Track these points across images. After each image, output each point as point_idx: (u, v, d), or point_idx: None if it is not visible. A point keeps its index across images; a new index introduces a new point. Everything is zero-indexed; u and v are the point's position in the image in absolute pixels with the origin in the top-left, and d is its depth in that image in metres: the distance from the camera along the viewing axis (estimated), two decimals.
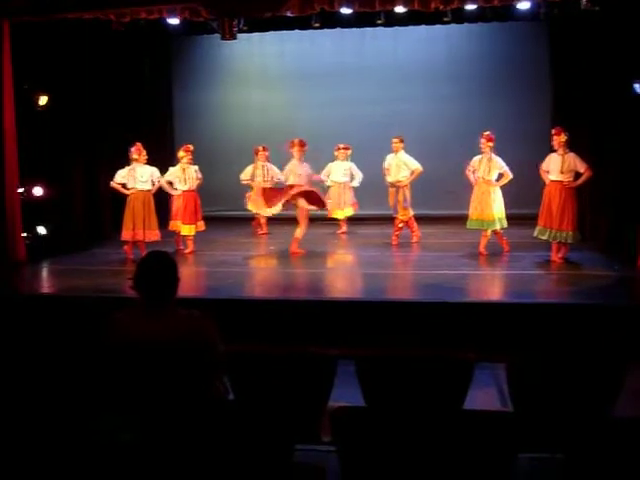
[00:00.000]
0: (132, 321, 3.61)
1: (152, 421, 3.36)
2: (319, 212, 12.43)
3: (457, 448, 3.10)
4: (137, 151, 10.19)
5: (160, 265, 3.65)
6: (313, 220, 12.80)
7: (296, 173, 10.32)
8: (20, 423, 3.34)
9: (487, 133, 9.93)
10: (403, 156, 11.00)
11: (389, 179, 11.12)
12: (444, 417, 3.27)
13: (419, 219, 11.39)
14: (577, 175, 9.25)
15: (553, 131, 9.44)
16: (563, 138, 9.21)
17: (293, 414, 3.37)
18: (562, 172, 9.22)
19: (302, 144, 10.42)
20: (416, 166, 10.92)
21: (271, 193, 10.72)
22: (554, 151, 9.36)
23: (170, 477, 3.10)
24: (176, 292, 3.67)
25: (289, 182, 10.38)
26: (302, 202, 10.27)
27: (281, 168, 11.55)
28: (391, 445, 3.13)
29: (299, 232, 10.41)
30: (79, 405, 3.50)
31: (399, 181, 10.96)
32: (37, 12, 9.33)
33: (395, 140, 11.04)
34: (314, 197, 10.39)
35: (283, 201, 10.30)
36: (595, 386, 3.94)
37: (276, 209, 10.48)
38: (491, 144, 9.86)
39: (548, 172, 9.40)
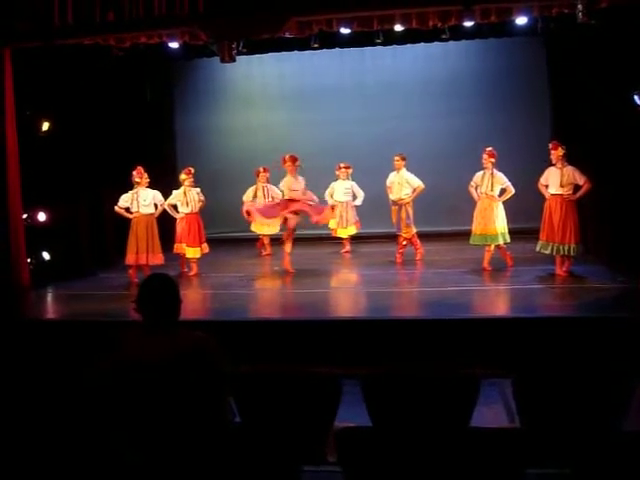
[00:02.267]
0: (135, 342, 3.61)
1: (156, 443, 3.36)
2: (323, 231, 12.52)
3: (465, 466, 3.09)
4: (138, 174, 10.22)
5: (162, 286, 3.66)
6: (316, 239, 12.89)
7: (291, 188, 10.36)
8: (26, 446, 3.33)
9: (489, 149, 9.96)
10: (405, 174, 11.02)
11: (391, 197, 11.13)
12: (451, 435, 3.26)
13: (422, 236, 11.39)
14: (577, 188, 9.26)
15: (550, 145, 9.47)
16: (560, 152, 9.25)
17: (299, 435, 3.36)
18: (562, 185, 9.24)
19: (293, 159, 10.43)
20: (418, 183, 10.94)
21: (270, 207, 10.76)
22: (553, 165, 9.39)
23: None
24: (178, 313, 3.67)
25: (286, 197, 10.43)
26: (293, 218, 10.31)
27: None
28: (398, 465, 3.11)
29: (288, 247, 10.45)
30: (84, 429, 3.49)
31: (401, 199, 10.97)
32: (38, 38, 9.39)
33: (397, 158, 11.07)
34: (317, 209, 10.43)
35: (284, 214, 10.33)
36: (603, 400, 3.91)
37: (276, 223, 10.53)
38: (493, 160, 9.89)
39: (547, 186, 9.42)
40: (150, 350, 3.53)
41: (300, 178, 10.45)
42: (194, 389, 3.52)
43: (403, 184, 11.00)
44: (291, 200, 10.33)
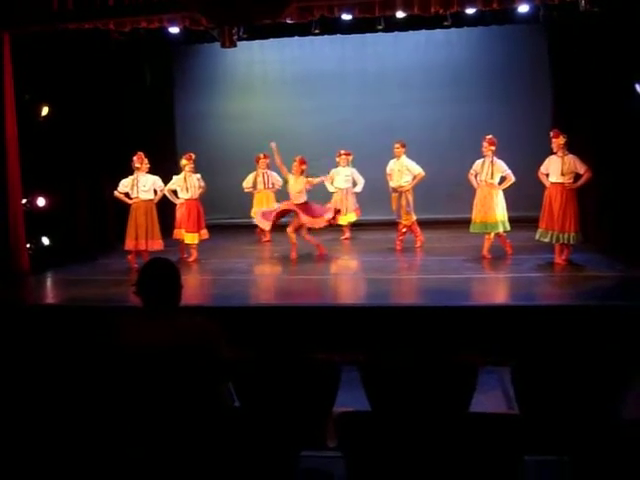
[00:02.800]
0: (135, 327, 3.62)
1: (157, 428, 3.36)
2: None
3: (463, 451, 3.10)
4: (139, 160, 10.20)
5: (162, 271, 3.67)
6: None
7: (294, 190, 10.52)
8: (26, 431, 3.34)
9: (489, 137, 9.94)
10: (405, 161, 11.00)
11: (391, 184, 11.11)
12: (450, 420, 3.27)
13: (422, 223, 11.38)
14: (577, 177, 9.25)
15: (551, 134, 9.44)
16: (562, 140, 9.23)
17: (298, 420, 3.37)
18: (562, 174, 9.23)
19: (301, 162, 10.52)
20: (418, 171, 10.93)
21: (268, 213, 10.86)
22: (553, 153, 9.37)
23: None
24: (179, 298, 3.68)
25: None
26: (303, 217, 10.36)
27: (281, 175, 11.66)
28: (397, 449, 3.12)
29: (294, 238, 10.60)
30: (85, 413, 3.50)
31: (401, 186, 10.96)
32: (37, 23, 9.35)
33: (397, 145, 11.04)
34: (314, 212, 10.47)
35: (279, 211, 10.44)
36: (601, 388, 3.92)
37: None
38: (493, 148, 9.88)
39: (547, 175, 9.41)
40: (150, 335, 3.54)
41: (302, 178, 10.50)
42: (194, 374, 3.53)
43: (403, 171, 10.98)
44: (290, 205, 10.52)
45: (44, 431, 3.35)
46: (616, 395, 3.93)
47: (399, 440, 3.14)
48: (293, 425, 3.34)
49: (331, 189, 12.37)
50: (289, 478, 3.25)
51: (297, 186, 10.46)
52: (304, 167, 10.51)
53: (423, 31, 12.56)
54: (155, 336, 3.52)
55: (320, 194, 12.34)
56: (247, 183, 12.39)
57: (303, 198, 10.50)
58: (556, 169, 9.27)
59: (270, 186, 12.44)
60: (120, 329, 3.65)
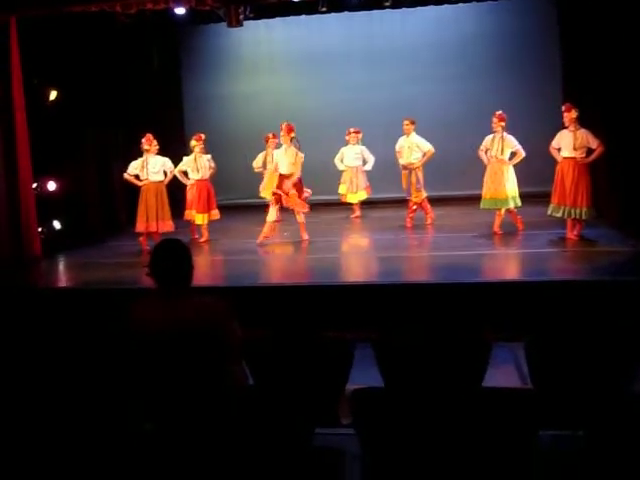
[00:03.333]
0: (149, 309, 3.64)
1: (172, 408, 3.39)
2: (333, 197, 12.52)
3: (478, 426, 3.10)
4: (148, 142, 10.21)
5: (173, 251, 3.68)
6: (327, 205, 12.86)
7: (284, 162, 10.20)
8: (41, 416, 3.37)
9: (499, 112, 9.87)
10: (414, 138, 10.95)
11: (401, 161, 11.08)
12: (464, 396, 3.27)
13: (432, 200, 11.35)
14: (589, 151, 9.18)
15: (563, 107, 9.36)
16: (574, 114, 9.14)
17: (312, 398, 3.38)
18: (575, 149, 9.15)
19: (289, 129, 10.19)
20: (428, 147, 10.88)
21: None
22: (565, 128, 9.30)
23: (190, 463, 3.12)
24: (191, 278, 3.69)
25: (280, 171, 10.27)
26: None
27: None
28: (411, 425, 3.13)
29: (301, 217, 10.37)
30: (99, 396, 3.52)
31: (411, 163, 10.92)
32: (43, 6, 9.32)
33: (406, 122, 10.99)
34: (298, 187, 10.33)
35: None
36: (614, 362, 3.92)
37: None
38: (503, 123, 9.82)
39: (559, 149, 9.34)
40: (164, 316, 3.55)
41: (291, 148, 10.19)
42: (208, 353, 3.54)
43: (413, 148, 10.94)
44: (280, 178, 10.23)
45: (57, 415, 3.38)
46: (629, 369, 3.92)
47: (413, 416, 3.15)
48: (307, 403, 3.35)
49: (341, 167, 12.34)
50: (302, 455, 3.27)
51: (288, 158, 10.17)
52: (292, 135, 10.18)
53: (431, 7, 12.43)
54: (168, 316, 3.54)
55: (331, 172, 12.34)
56: (257, 163, 12.36)
57: (291, 170, 10.13)
58: (568, 143, 9.20)
59: None
60: (133, 310, 3.67)
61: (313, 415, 3.35)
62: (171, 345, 3.51)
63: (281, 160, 10.17)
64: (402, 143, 11.07)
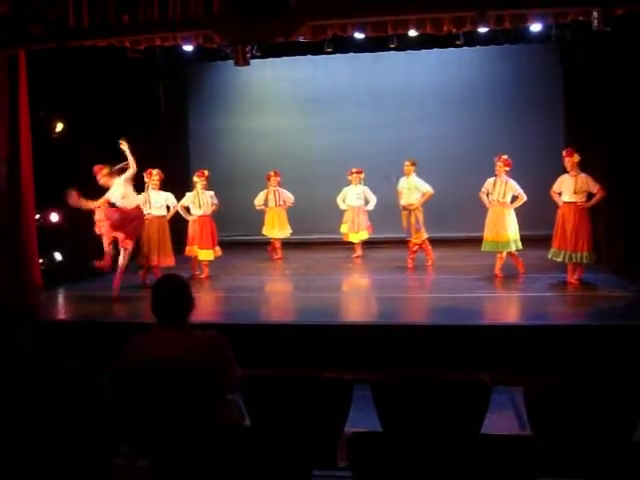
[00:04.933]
0: (149, 343, 3.64)
1: (168, 444, 3.36)
2: (334, 236, 12.55)
3: (475, 473, 3.07)
4: (148, 175, 10.27)
5: (174, 286, 3.70)
6: (328, 244, 12.90)
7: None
8: (35, 448, 3.34)
9: (505, 157, 9.92)
10: (414, 179, 11.02)
11: (401, 202, 11.13)
12: (462, 442, 3.25)
13: (434, 242, 11.37)
14: (590, 196, 9.23)
15: (564, 152, 9.42)
16: (576, 159, 9.20)
17: (310, 439, 3.35)
18: (575, 193, 9.19)
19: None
20: (427, 189, 10.93)
21: None
22: (566, 172, 9.35)
23: None
24: (191, 313, 3.70)
25: None
26: None
27: (293, 192, 11.75)
28: (408, 470, 3.10)
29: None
30: (94, 430, 3.50)
31: (411, 204, 10.97)
32: (52, 40, 9.42)
33: (407, 163, 11.07)
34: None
35: None
36: (615, 409, 3.89)
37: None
38: (507, 168, 9.87)
39: (560, 194, 9.38)
40: (164, 350, 3.55)
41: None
42: (206, 386, 3.54)
43: (412, 189, 11.00)
44: None
45: (50, 451, 3.35)
46: (630, 417, 3.89)
47: (410, 462, 3.12)
48: (304, 444, 3.32)
49: (343, 207, 12.39)
50: None
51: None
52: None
53: (435, 50, 12.57)
54: (168, 350, 3.54)
55: (333, 211, 12.38)
56: (259, 201, 12.42)
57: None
58: (569, 188, 9.24)
59: (281, 203, 12.47)
60: (133, 345, 3.67)
61: (310, 456, 3.31)
62: (170, 377, 3.51)
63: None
64: (402, 184, 11.14)
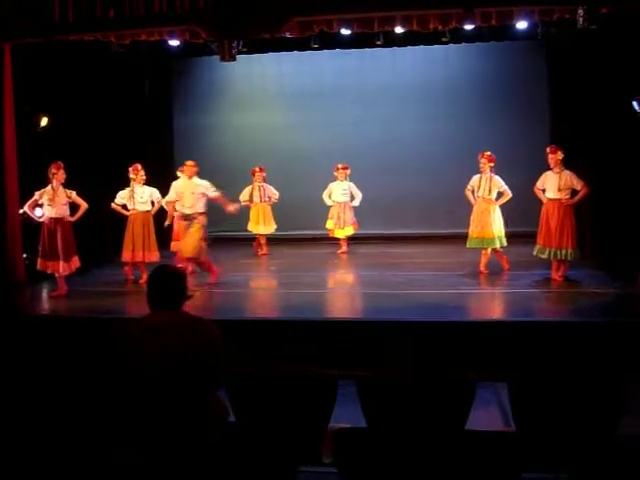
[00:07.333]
0: (142, 332, 3.65)
1: (155, 440, 3.36)
2: (320, 232, 12.55)
3: (460, 468, 3.09)
4: (134, 171, 10.21)
5: (171, 272, 3.88)
6: (314, 240, 12.89)
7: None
8: (25, 443, 3.33)
9: (488, 154, 9.94)
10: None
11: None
12: (446, 437, 3.26)
13: (420, 238, 11.41)
14: (574, 192, 9.27)
15: (548, 149, 9.46)
16: (559, 156, 9.25)
17: (294, 435, 3.35)
18: (559, 190, 9.24)
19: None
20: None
21: None
22: (550, 169, 9.39)
23: None
24: (185, 300, 3.86)
25: None
26: None
27: (278, 188, 11.75)
28: (393, 466, 3.11)
29: None
30: (83, 423, 3.49)
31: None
32: (37, 34, 9.37)
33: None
34: None
35: None
36: (598, 404, 3.92)
37: None
38: (492, 164, 9.90)
39: (544, 190, 9.43)
40: (158, 337, 3.58)
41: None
42: (196, 377, 3.56)
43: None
44: None
45: (44, 439, 3.34)
46: (613, 411, 3.92)
47: (395, 457, 3.13)
48: (289, 440, 3.32)
49: (329, 202, 12.39)
50: None
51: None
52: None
53: (421, 46, 12.60)
54: (163, 336, 3.57)
55: (319, 207, 12.37)
56: (244, 196, 12.39)
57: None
58: (553, 185, 9.29)
59: (266, 199, 12.46)
60: (127, 334, 3.69)
61: (295, 452, 3.32)
62: (163, 365, 3.51)
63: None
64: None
